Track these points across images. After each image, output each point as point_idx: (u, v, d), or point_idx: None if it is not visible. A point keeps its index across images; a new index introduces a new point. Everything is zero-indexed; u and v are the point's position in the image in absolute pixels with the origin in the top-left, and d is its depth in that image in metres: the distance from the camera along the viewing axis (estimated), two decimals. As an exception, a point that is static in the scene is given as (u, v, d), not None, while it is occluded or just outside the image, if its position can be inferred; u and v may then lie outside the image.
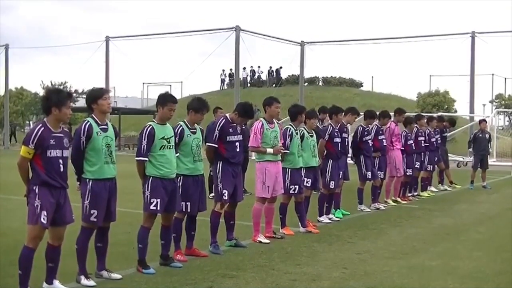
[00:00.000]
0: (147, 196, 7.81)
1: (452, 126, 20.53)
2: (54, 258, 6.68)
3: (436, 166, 18.01)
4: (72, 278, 7.11)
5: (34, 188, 6.40)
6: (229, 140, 9.12)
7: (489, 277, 7.87)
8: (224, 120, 9.21)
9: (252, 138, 9.68)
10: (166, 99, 7.98)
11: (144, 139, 7.77)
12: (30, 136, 6.38)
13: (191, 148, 8.42)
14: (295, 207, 10.82)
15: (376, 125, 14.21)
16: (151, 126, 7.86)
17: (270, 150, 9.69)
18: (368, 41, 45.25)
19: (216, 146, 9.08)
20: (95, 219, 7.12)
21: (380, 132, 14.14)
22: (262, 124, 9.72)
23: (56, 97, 6.53)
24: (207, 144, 9.20)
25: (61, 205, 6.52)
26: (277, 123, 10.07)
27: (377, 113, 14.54)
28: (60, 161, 6.48)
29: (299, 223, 10.84)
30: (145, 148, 7.77)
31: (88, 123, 7.12)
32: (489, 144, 20.13)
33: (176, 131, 8.28)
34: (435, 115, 21.26)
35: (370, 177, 13.57)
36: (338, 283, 7.42)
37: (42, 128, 6.42)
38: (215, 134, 9.06)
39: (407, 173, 15.33)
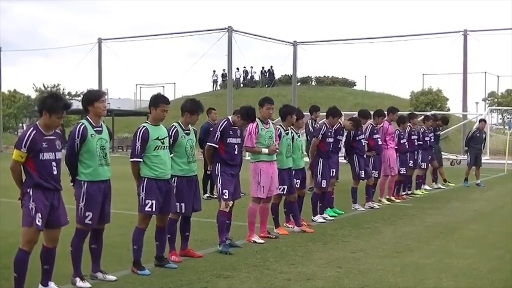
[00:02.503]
0: (142, 197, 7.81)
1: (445, 124, 20.57)
2: (49, 260, 6.67)
3: (429, 164, 18.07)
4: (67, 280, 7.10)
5: (28, 190, 6.39)
6: (229, 142, 9.16)
7: (483, 274, 7.90)
8: (226, 122, 9.23)
9: (247, 138, 9.69)
10: (158, 100, 7.98)
11: (138, 140, 7.78)
12: (22, 140, 6.34)
13: (185, 149, 8.43)
14: (288, 207, 10.83)
15: (371, 124, 14.24)
16: (144, 127, 7.86)
17: (265, 150, 9.71)
18: (361, 41, 45.36)
19: (217, 146, 9.11)
20: (90, 222, 7.11)
21: (375, 131, 14.17)
22: (257, 124, 9.74)
23: (50, 102, 6.48)
24: (207, 143, 9.23)
25: (55, 207, 6.51)
26: (272, 123, 10.09)
27: (371, 112, 14.59)
28: (53, 163, 6.47)
29: (294, 222, 10.86)
30: (139, 149, 7.77)
31: (83, 125, 7.11)
32: (483, 144, 20.18)
33: (170, 132, 8.28)
34: (428, 113, 21.23)
35: (363, 176, 13.59)
36: (332, 282, 7.44)
37: (34, 131, 6.40)
38: (216, 135, 9.11)
39: (401, 172, 15.37)
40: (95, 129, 7.15)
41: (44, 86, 63.87)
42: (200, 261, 8.45)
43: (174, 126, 8.44)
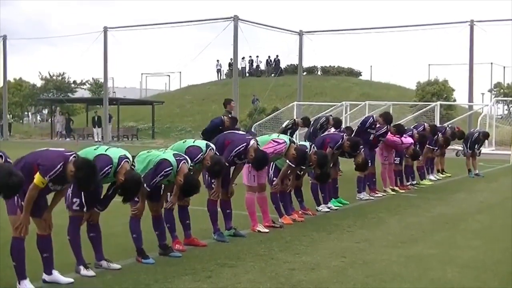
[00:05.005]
0: None
1: (460, 139, 20.17)
2: (46, 248, 6.68)
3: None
4: (72, 269, 7.10)
5: None
6: (237, 162, 9.34)
7: (487, 266, 7.87)
8: (243, 148, 9.22)
9: (272, 152, 9.81)
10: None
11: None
12: (50, 170, 6.36)
13: None
14: (279, 196, 10.78)
15: (372, 117, 14.37)
16: None
17: None
18: (367, 30, 45.11)
19: (227, 165, 9.11)
20: (78, 207, 7.16)
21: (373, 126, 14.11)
22: (282, 152, 9.94)
23: (82, 177, 6.48)
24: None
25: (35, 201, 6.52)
26: None
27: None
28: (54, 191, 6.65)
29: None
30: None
31: (110, 168, 7.09)
32: (477, 145, 19.80)
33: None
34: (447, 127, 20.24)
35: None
36: (337, 271, 7.43)
37: (62, 168, 6.42)
38: (231, 155, 9.16)
39: (395, 162, 15.27)
40: None
41: (49, 75, 63.94)
42: (205, 250, 8.46)
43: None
